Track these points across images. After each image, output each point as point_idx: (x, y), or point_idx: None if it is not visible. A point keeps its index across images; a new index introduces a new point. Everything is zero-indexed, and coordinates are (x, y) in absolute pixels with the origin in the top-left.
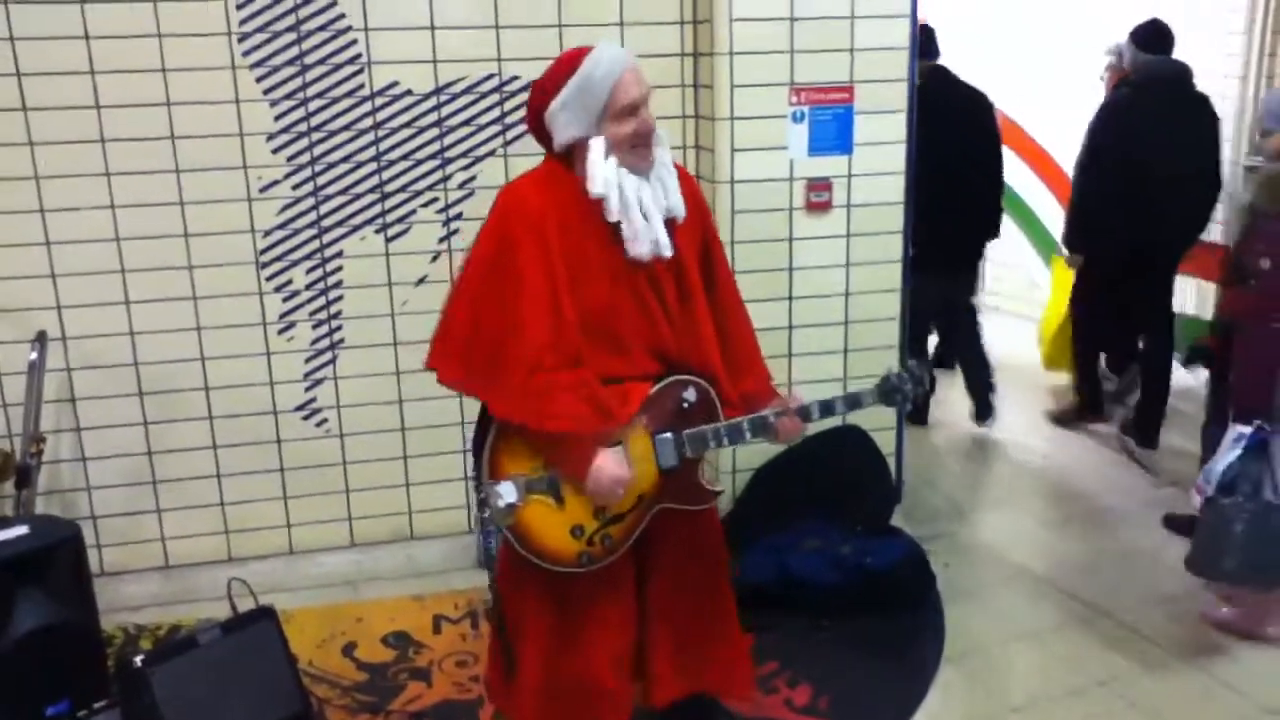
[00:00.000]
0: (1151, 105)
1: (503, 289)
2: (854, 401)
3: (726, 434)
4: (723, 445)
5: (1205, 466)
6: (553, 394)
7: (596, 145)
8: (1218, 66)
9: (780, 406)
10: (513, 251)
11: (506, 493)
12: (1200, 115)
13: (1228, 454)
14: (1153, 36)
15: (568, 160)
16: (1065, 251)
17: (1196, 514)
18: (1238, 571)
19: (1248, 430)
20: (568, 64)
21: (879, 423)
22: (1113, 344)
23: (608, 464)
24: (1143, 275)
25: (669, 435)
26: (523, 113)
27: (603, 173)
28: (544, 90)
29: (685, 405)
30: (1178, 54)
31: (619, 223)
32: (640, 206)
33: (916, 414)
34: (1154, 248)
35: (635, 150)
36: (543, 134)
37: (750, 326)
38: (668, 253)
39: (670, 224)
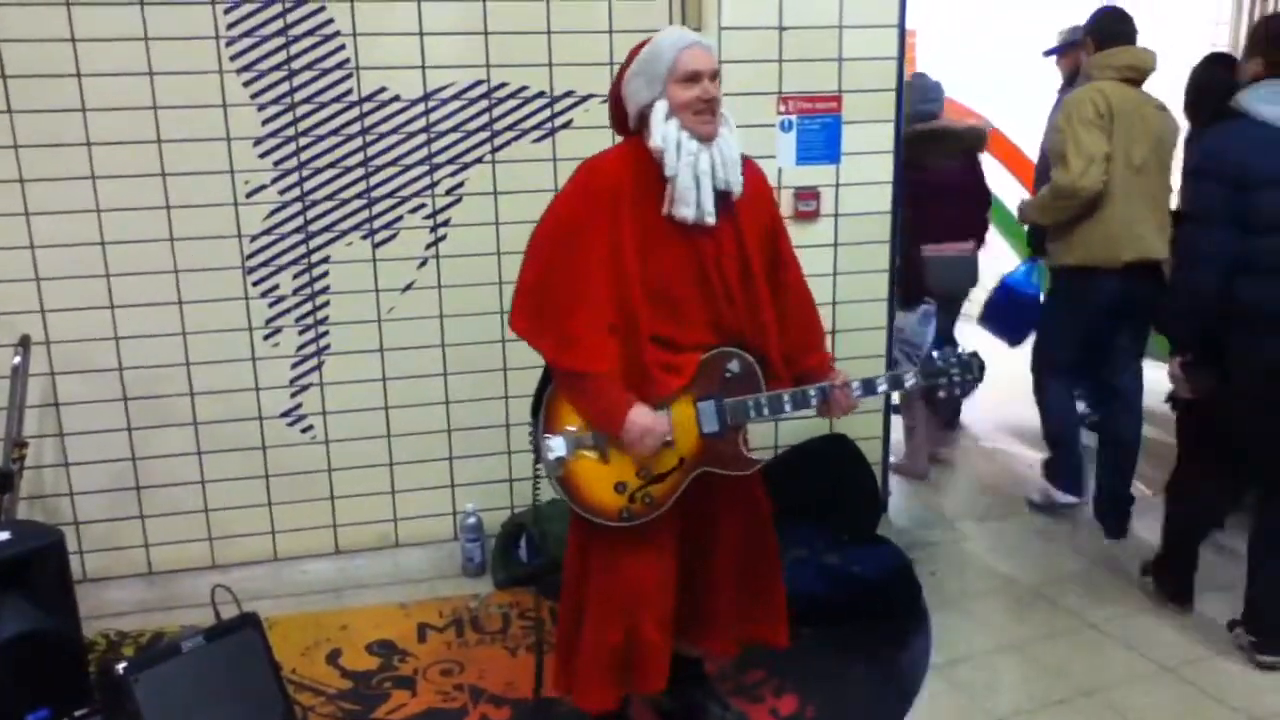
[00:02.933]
0: None
1: (572, 256)
2: (897, 381)
3: (768, 404)
4: (764, 416)
5: None
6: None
7: (660, 106)
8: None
9: (827, 384)
10: (584, 221)
11: (557, 446)
12: None
13: None
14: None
15: (640, 136)
16: None
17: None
18: None
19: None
20: (640, 45)
21: (865, 431)
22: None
23: (640, 417)
24: None
25: (711, 401)
26: (511, 119)
27: (662, 130)
28: (622, 71)
29: (728, 375)
30: (1164, 44)
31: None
32: (694, 169)
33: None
34: None
35: (699, 116)
36: (623, 115)
37: (816, 314)
38: (711, 221)
39: (728, 201)
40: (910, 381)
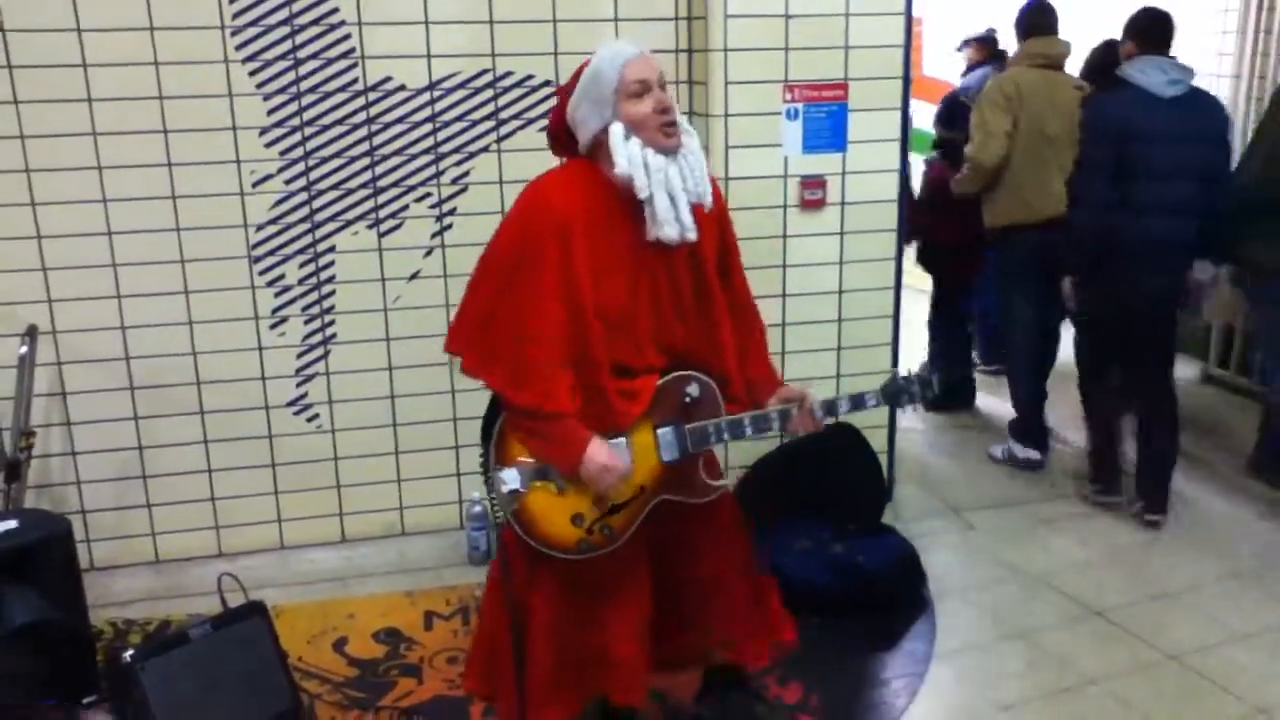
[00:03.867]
0: None
1: (518, 288)
2: (858, 402)
3: (728, 429)
4: (724, 440)
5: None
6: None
7: (616, 129)
8: (1210, 66)
9: (784, 404)
10: (531, 251)
11: (510, 479)
12: None
13: None
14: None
15: (593, 159)
16: None
17: None
18: None
19: None
20: (580, 68)
21: (871, 420)
22: None
23: (598, 454)
24: None
25: (670, 428)
26: (517, 108)
27: (625, 151)
28: (563, 96)
29: (688, 400)
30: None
31: (644, 212)
32: (667, 186)
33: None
34: None
35: (661, 129)
36: (568, 142)
37: (761, 326)
38: (693, 236)
39: (696, 212)
40: (871, 402)
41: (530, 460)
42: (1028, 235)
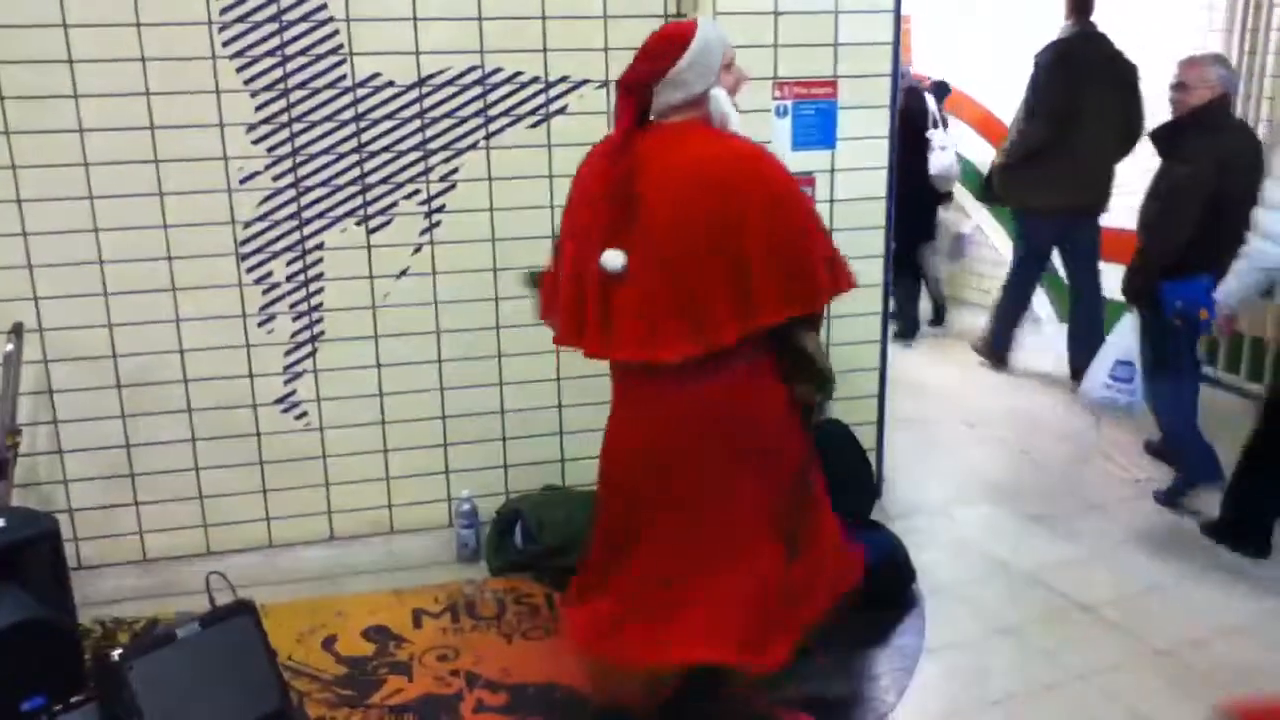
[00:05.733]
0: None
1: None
2: None
3: None
4: None
5: None
6: None
7: (719, 92)
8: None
9: None
10: None
11: None
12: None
13: None
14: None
15: (683, 114)
16: None
17: None
18: None
19: None
20: (681, 37)
21: (860, 417)
22: None
23: None
24: None
25: None
26: (505, 105)
27: (726, 108)
28: (663, 57)
29: None
30: (1161, 51)
31: None
32: None
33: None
34: None
35: (734, 96)
36: (641, 97)
37: None
38: None
39: None
40: None
41: None
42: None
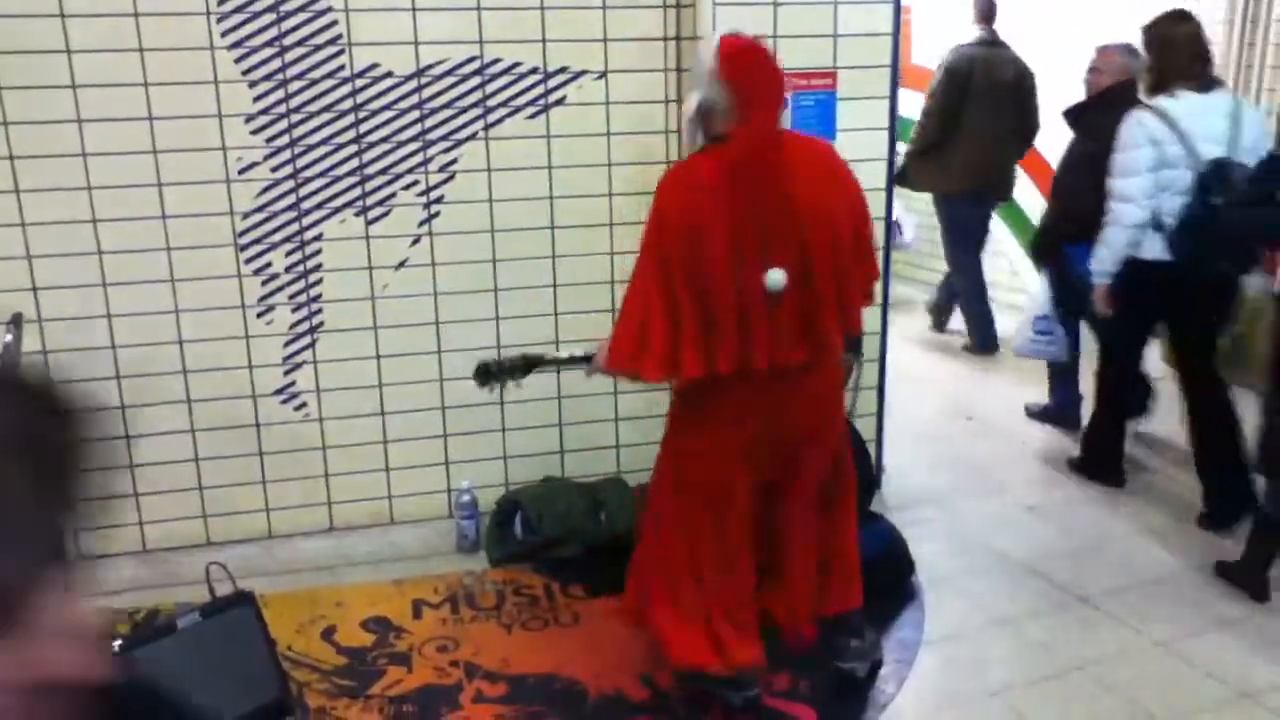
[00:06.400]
0: None
1: None
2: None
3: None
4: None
5: None
6: None
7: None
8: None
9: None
10: None
11: None
12: None
13: None
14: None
15: None
16: None
17: None
18: None
19: None
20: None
21: (859, 409)
22: None
23: None
24: None
25: None
26: (504, 95)
27: None
28: (778, 71)
29: None
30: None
31: None
32: None
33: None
34: None
35: None
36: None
37: None
38: None
39: None
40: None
41: None
42: None
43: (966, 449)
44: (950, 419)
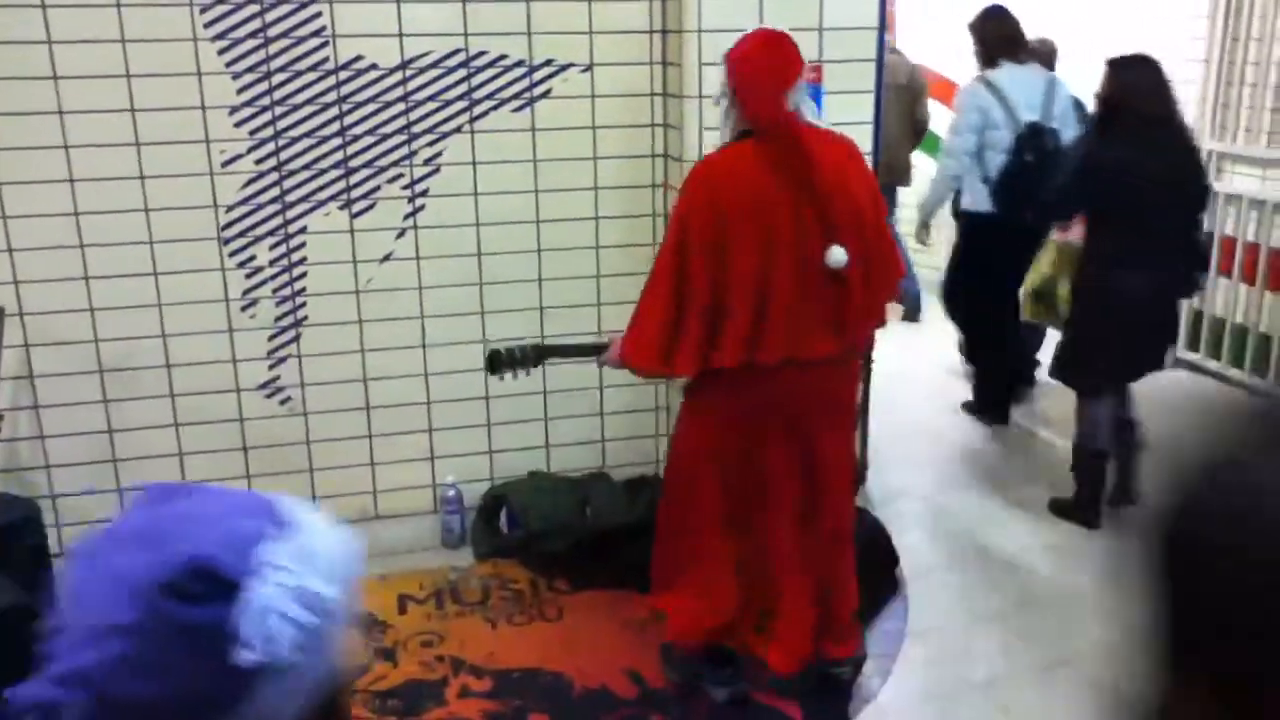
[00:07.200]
0: None
1: None
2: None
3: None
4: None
5: None
6: None
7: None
8: (1182, 50)
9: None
10: None
11: None
12: None
13: None
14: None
15: None
16: None
17: None
18: None
19: None
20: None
21: None
22: None
23: None
24: None
25: None
26: (490, 88)
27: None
28: (795, 62)
29: None
30: (1145, 38)
31: None
32: None
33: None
34: None
35: None
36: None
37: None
38: None
39: None
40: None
41: None
42: None
43: (950, 442)
44: (934, 412)
